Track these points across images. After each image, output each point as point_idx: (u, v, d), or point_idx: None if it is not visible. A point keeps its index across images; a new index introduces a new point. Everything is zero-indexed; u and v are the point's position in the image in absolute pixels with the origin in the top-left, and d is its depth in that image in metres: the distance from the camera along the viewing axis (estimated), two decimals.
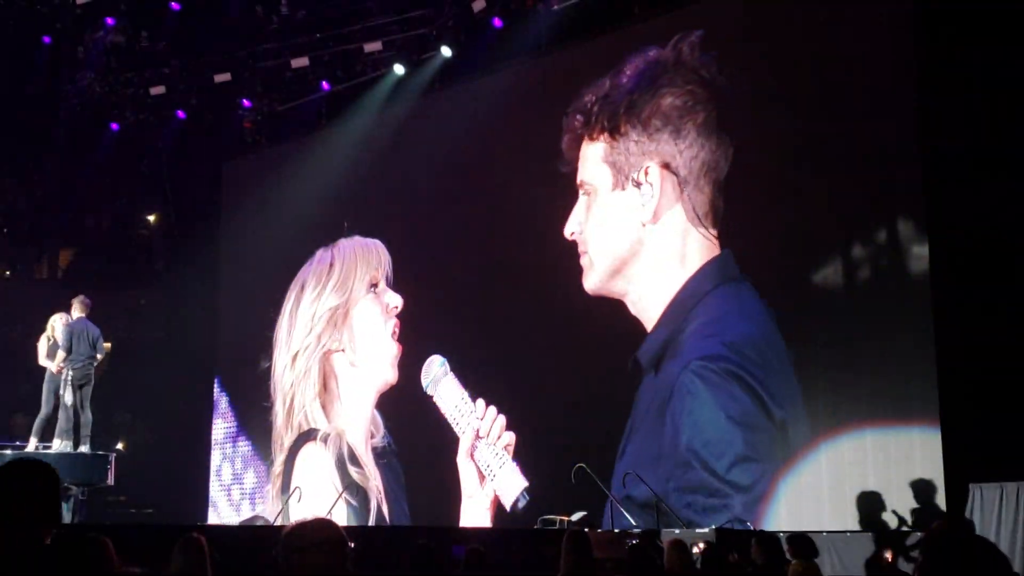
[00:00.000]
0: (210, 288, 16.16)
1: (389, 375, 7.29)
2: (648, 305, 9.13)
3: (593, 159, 9.07)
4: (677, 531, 8.21)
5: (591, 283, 9.47)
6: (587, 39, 12.20)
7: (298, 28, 14.10)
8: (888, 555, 7.94)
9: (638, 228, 9.03)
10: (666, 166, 8.81)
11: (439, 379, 7.67)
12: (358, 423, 10.69)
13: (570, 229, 9.46)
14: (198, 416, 15.78)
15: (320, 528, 2.95)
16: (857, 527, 9.48)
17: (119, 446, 15.14)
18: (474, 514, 9.64)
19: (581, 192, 9.09)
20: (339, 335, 6.84)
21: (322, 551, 2.88)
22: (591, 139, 9.09)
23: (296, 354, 6.77)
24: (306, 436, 6.86)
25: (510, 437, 8.08)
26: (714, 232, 9.00)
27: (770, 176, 10.50)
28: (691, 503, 8.15)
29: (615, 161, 8.90)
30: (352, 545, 3.03)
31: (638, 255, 9.01)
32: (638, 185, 8.61)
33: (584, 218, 9.34)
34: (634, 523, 8.82)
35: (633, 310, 9.61)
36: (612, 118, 9.00)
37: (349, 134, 14.60)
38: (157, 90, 15.22)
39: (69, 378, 12.21)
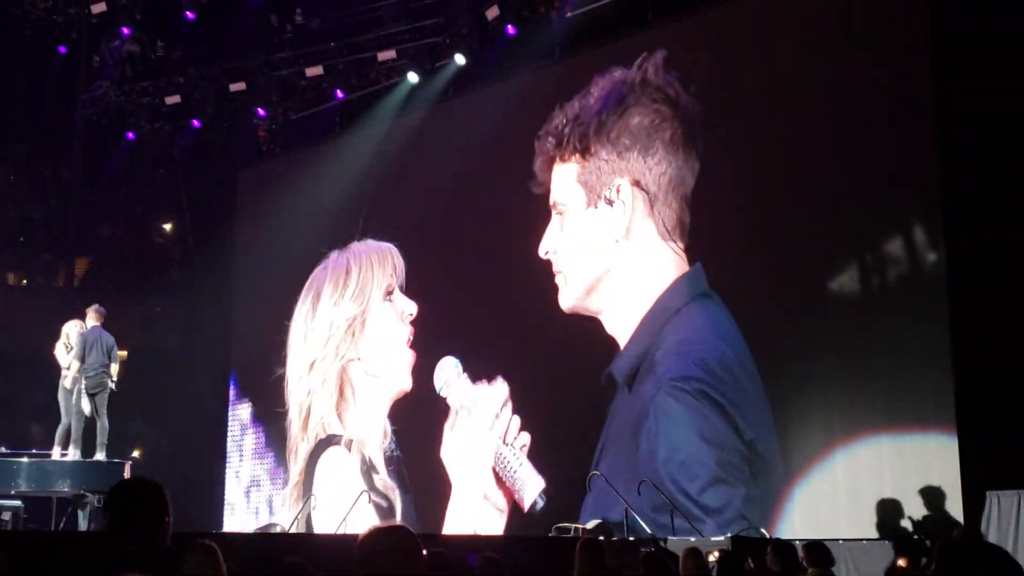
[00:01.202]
0: (225, 296, 16.20)
1: (404, 383, 7.25)
2: (622, 321, 9.16)
3: (565, 180, 9.12)
4: (692, 539, 8.19)
5: (566, 301, 9.52)
6: (601, 45, 12.19)
7: (312, 37, 14.14)
8: (904, 563, 7.91)
9: (611, 245, 9.08)
10: (636, 183, 8.85)
11: (452, 381, 7.60)
12: (374, 431, 10.67)
13: (544, 248, 9.51)
14: (213, 424, 15.81)
15: (396, 535, 2.94)
16: (874, 535, 9.44)
17: (135, 454, 15.17)
18: (488, 516, 9.54)
19: (554, 212, 9.16)
20: (356, 344, 6.79)
21: (398, 557, 2.87)
22: (563, 160, 9.14)
23: (313, 362, 6.72)
24: (327, 441, 6.77)
25: (526, 438, 8.05)
26: (682, 246, 9.04)
27: (777, 184, 10.55)
28: (663, 524, 8.15)
29: (587, 180, 8.93)
30: (426, 552, 3.02)
31: (611, 272, 9.03)
32: (610, 203, 8.64)
33: (558, 237, 9.38)
34: (649, 531, 8.81)
35: (608, 327, 9.67)
36: (583, 139, 9.04)
37: (364, 142, 14.62)
38: (172, 99, 15.27)
39: (83, 387, 12.27)
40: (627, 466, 9.15)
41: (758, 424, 9.26)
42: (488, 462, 7.12)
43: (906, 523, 9.47)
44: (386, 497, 6.91)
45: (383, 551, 2.87)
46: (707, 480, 8.53)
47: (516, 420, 7.90)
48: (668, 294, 9.04)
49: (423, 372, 11.50)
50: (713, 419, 8.80)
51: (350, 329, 6.72)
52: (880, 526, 9.59)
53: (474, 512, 6.94)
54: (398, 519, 7.64)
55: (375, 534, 2.94)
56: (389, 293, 6.81)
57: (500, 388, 6.94)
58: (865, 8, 10.23)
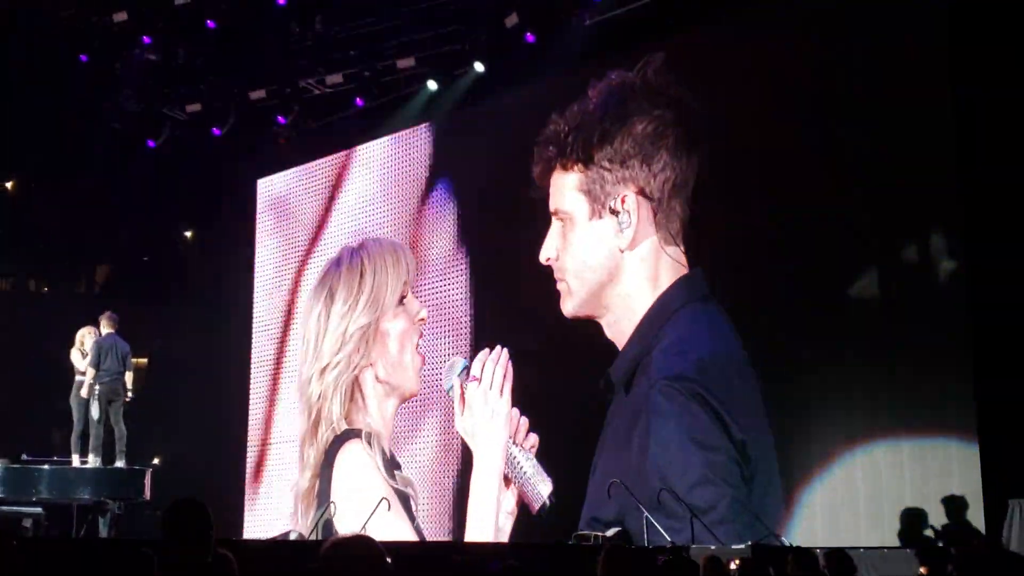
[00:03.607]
0: (245, 303, 16.26)
1: (413, 387, 7.24)
2: (623, 327, 9.17)
3: (568, 189, 9.10)
4: (712, 547, 8.17)
5: (569, 308, 9.55)
6: (621, 53, 12.19)
7: (332, 45, 14.17)
8: (925, 572, 7.88)
9: (615, 255, 9.09)
10: (641, 192, 8.83)
11: (462, 381, 7.56)
12: (385, 431, 10.79)
13: (546, 255, 9.49)
14: (234, 430, 15.86)
15: (358, 544, 2.94)
16: (894, 542, 9.41)
17: (155, 460, 15.23)
18: (494, 520, 9.48)
19: (555, 219, 9.11)
20: (368, 353, 6.74)
21: (361, 567, 2.87)
22: (565, 169, 9.10)
23: (325, 368, 6.66)
24: (344, 436, 6.65)
25: (534, 439, 8.02)
26: (683, 249, 9.03)
27: (787, 188, 10.59)
28: (651, 523, 8.14)
29: (591, 191, 8.92)
30: (390, 560, 3.02)
31: (615, 281, 9.04)
32: (615, 213, 8.61)
33: (561, 245, 9.37)
34: (668, 538, 8.79)
35: (608, 332, 9.69)
36: (585, 148, 9.02)
37: (383, 150, 14.68)
38: (193, 107, 15.33)
39: (96, 393, 12.34)
40: (623, 468, 9.19)
41: (752, 427, 9.25)
42: (506, 430, 7.05)
43: (927, 531, 9.43)
44: (405, 493, 6.88)
45: (347, 561, 2.87)
46: (695, 480, 8.53)
47: (524, 420, 7.93)
48: (666, 297, 9.05)
49: (428, 373, 11.74)
50: (704, 419, 8.81)
51: (363, 338, 6.66)
52: (900, 534, 9.57)
53: (495, 499, 6.86)
54: (417, 517, 7.62)
55: (338, 544, 2.93)
56: (403, 297, 6.77)
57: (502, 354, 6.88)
58: (881, 11, 10.24)
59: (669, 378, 8.90)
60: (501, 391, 6.83)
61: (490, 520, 6.76)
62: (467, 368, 7.23)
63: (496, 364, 6.84)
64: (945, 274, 9.65)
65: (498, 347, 6.95)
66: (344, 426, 6.93)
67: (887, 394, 9.79)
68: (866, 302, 10.13)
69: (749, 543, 8.42)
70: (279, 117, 15.29)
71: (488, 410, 6.78)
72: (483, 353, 7.07)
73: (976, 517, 9.09)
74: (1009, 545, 8.18)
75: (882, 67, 10.14)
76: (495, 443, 6.73)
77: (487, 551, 6.72)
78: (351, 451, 6.51)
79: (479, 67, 13.43)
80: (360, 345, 6.71)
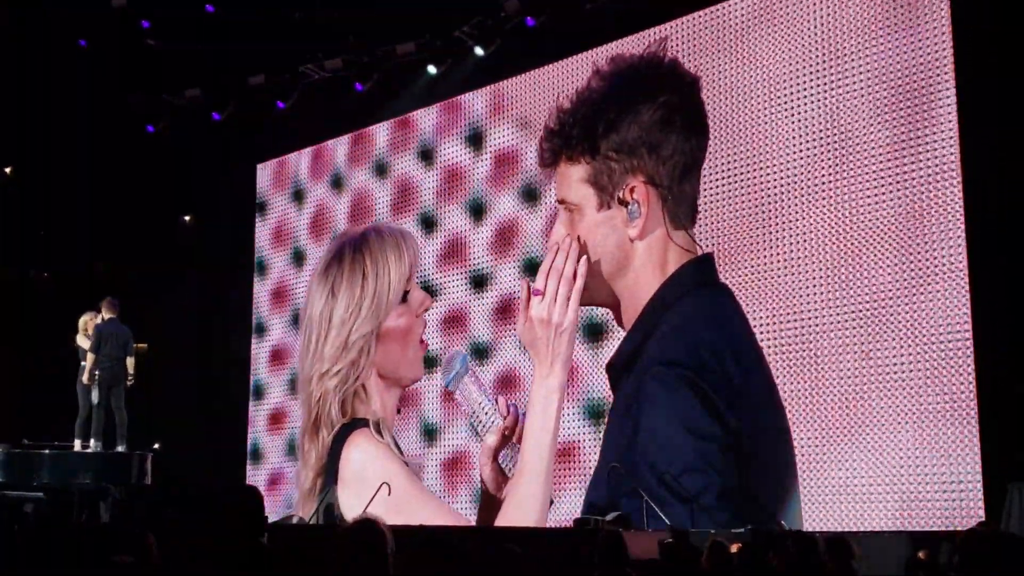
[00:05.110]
0: (245, 288, 16.27)
1: (416, 376, 7.11)
2: (631, 316, 9.14)
3: (575, 180, 8.94)
4: (712, 531, 8.18)
5: (581, 299, 9.54)
6: (623, 36, 12.18)
7: (332, 30, 14.15)
8: (924, 556, 7.89)
9: (625, 244, 9.02)
10: (650, 180, 8.78)
11: (461, 375, 7.42)
12: (389, 422, 10.81)
13: (553, 244, 9.47)
14: (234, 415, 15.88)
15: (363, 529, 2.94)
16: (893, 527, 9.43)
17: (156, 446, 15.24)
18: (550, 442, 9.50)
19: (562, 209, 9.05)
20: (372, 357, 6.59)
21: (364, 552, 2.87)
22: (570, 160, 8.98)
23: (326, 373, 6.51)
24: (352, 426, 6.48)
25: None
26: (692, 234, 9.04)
27: (791, 172, 10.63)
28: (639, 508, 8.11)
29: (598, 182, 8.79)
30: (394, 547, 3.02)
31: (625, 270, 9.00)
32: (624, 203, 8.54)
33: (568, 235, 9.32)
34: (668, 522, 8.82)
35: (617, 321, 9.71)
36: (591, 139, 8.88)
37: (383, 134, 14.68)
38: (192, 92, 15.31)
39: (96, 378, 12.38)
40: (617, 455, 9.22)
41: (753, 416, 9.28)
42: (572, 346, 6.83)
43: (927, 515, 9.45)
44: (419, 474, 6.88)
45: (349, 546, 2.87)
46: (683, 467, 8.50)
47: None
48: (670, 283, 8.96)
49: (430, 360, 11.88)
50: (695, 406, 8.73)
51: (366, 344, 6.51)
52: (899, 518, 9.59)
53: (556, 414, 6.73)
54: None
55: (342, 529, 2.94)
56: (406, 293, 6.60)
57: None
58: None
59: (661, 364, 8.83)
60: (567, 304, 6.53)
61: (547, 442, 6.48)
62: (467, 363, 7.01)
63: (560, 275, 6.54)
64: (947, 260, 9.66)
65: (568, 242, 6.60)
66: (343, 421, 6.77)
67: (888, 380, 9.81)
68: (864, 288, 10.15)
69: (749, 527, 8.43)
70: (278, 102, 15.28)
71: (551, 328, 6.51)
72: (548, 259, 6.72)
73: (976, 501, 9.11)
74: (1009, 528, 8.19)
75: (890, 49, 10.16)
76: (559, 358, 6.46)
77: (496, 536, 6.70)
78: (362, 439, 6.33)
79: (479, 51, 13.42)
80: (363, 352, 6.47)
